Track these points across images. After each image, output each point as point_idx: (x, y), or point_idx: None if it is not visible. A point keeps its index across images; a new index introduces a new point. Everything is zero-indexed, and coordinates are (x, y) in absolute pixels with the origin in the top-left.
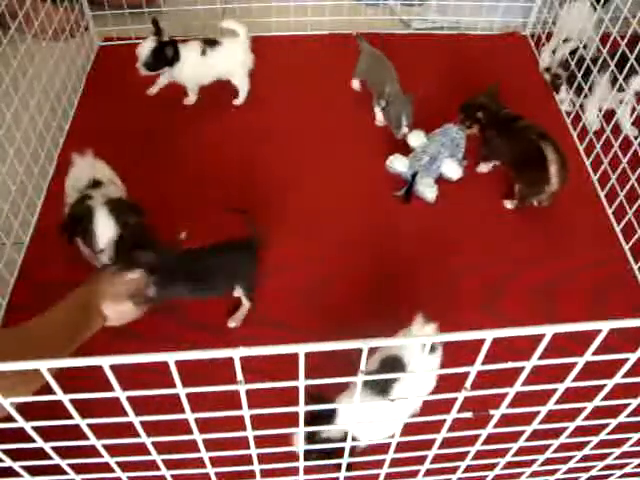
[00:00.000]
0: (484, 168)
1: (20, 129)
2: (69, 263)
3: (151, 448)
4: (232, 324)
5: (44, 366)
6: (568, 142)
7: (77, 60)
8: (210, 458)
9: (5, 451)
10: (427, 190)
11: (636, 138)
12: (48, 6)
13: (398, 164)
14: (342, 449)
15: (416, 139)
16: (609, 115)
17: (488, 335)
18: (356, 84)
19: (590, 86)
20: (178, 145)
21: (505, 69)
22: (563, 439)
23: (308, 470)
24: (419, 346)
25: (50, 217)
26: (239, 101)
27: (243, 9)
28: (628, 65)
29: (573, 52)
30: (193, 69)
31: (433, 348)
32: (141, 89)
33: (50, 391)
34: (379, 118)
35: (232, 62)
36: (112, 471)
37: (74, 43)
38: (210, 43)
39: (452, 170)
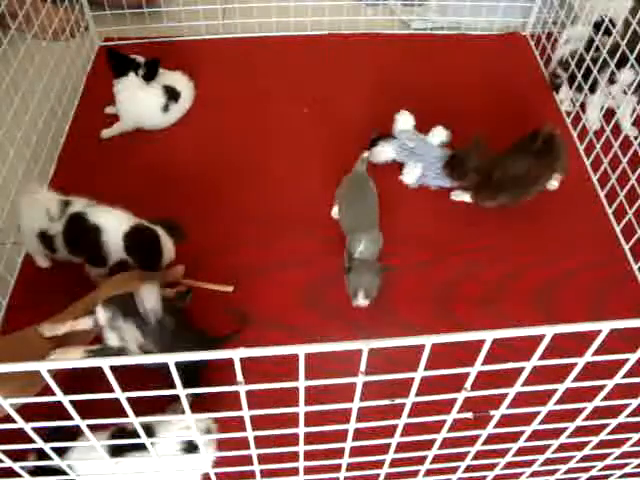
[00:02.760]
0: (463, 198)
1: (20, 129)
2: (69, 264)
3: (151, 448)
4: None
5: (44, 367)
6: (568, 142)
7: (77, 60)
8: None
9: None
10: (408, 172)
11: (636, 138)
12: (48, 6)
13: (382, 155)
14: None
15: (404, 122)
16: (609, 115)
17: (488, 336)
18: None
19: (590, 86)
20: (178, 145)
21: (505, 69)
22: (563, 439)
23: (308, 470)
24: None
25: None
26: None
27: (243, 9)
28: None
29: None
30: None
31: (195, 447)
32: None
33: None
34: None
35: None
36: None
37: (74, 43)
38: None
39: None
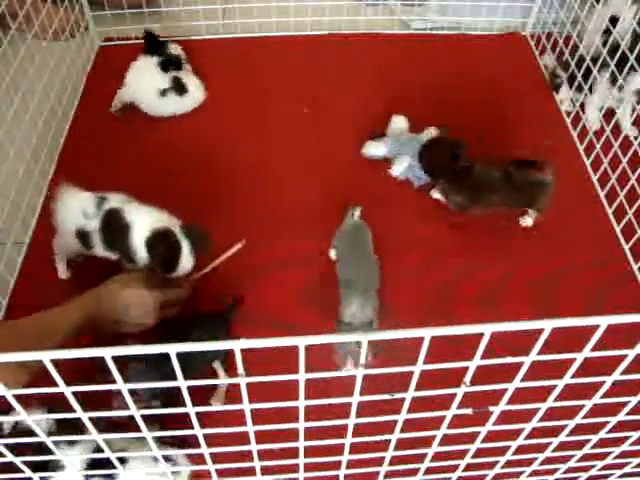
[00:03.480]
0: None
1: (20, 129)
2: (69, 263)
3: (152, 443)
4: (216, 404)
5: (46, 357)
6: (568, 142)
7: (77, 60)
8: (210, 454)
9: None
10: (395, 165)
11: (636, 138)
12: (48, 6)
13: (372, 149)
14: None
15: (398, 122)
16: (609, 115)
17: (486, 329)
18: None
19: (590, 86)
20: (178, 145)
21: (505, 69)
22: (563, 437)
23: (309, 467)
24: None
25: (50, 217)
26: None
27: (243, 9)
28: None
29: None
30: None
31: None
32: None
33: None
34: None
35: None
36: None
37: (74, 43)
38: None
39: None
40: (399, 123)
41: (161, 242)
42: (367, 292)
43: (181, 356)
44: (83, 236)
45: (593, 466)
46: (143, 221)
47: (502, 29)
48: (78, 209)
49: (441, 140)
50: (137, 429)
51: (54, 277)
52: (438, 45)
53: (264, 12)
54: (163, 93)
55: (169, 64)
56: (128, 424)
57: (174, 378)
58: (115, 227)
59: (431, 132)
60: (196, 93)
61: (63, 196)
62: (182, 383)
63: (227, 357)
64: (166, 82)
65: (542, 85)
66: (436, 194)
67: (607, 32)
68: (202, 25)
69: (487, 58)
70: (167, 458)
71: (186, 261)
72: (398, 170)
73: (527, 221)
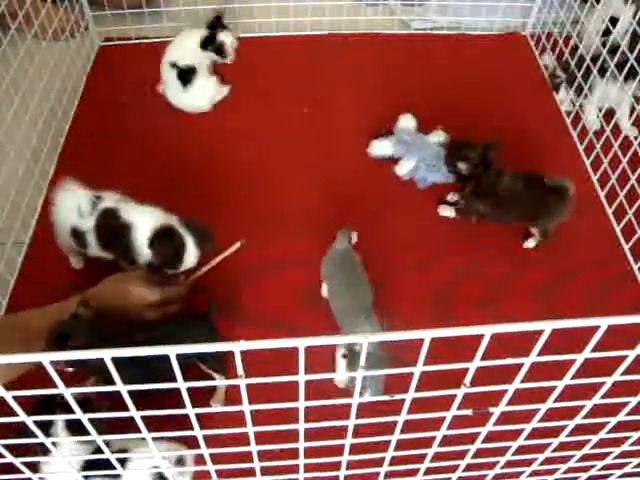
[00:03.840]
0: (447, 212)
1: (20, 129)
2: (69, 263)
3: (152, 444)
4: (216, 405)
5: (46, 359)
6: (568, 142)
7: (77, 60)
8: (210, 455)
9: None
10: (401, 164)
11: (636, 138)
12: (48, 6)
13: (379, 149)
14: None
15: (406, 121)
16: (609, 115)
17: (487, 330)
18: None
19: (590, 86)
20: (178, 146)
21: (505, 69)
22: (562, 438)
23: (308, 468)
24: None
25: (50, 217)
26: None
27: (243, 9)
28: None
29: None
30: None
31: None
32: (141, 89)
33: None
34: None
35: None
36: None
37: (74, 43)
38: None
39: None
40: (407, 122)
41: (165, 239)
42: (367, 320)
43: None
44: (77, 235)
45: (593, 466)
46: (143, 220)
47: (502, 29)
48: (73, 207)
49: (471, 141)
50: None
51: (54, 277)
52: (438, 45)
53: (264, 12)
54: (182, 72)
55: (208, 44)
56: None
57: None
58: (112, 227)
59: (439, 133)
60: (198, 94)
61: (60, 192)
62: (182, 385)
63: (221, 360)
64: (190, 60)
65: (542, 85)
66: (445, 211)
67: (607, 32)
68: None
69: (487, 58)
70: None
71: (191, 255)
72: (405, 169)
73: (530, 243)
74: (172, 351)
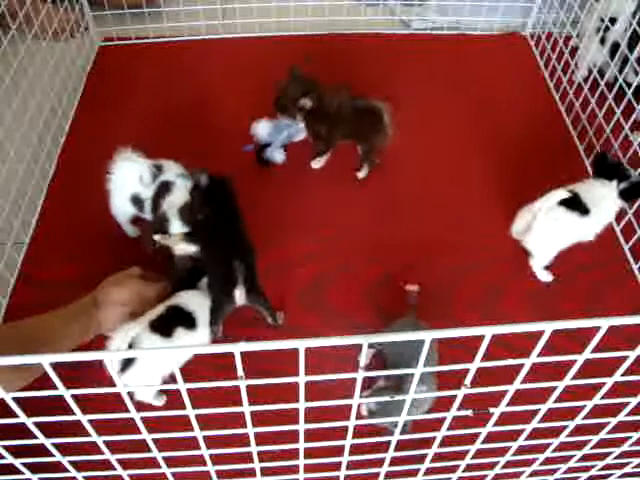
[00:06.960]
0: (317, 164)
1: (20, 129)
2: (69, 263)
3: (152, 444)
4: (280, 314)
5: (46, 360)
6: (568, 142)
7: (77, 60)
8: (210, 456)
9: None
10: (277, 154)
11: (636, 139)
12: (48, 6)
13: (262, 130)
14: None
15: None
16: (609, 115)
17: (487, 331)
18: None
19: (590, 85)
20: (178, 146)
21: (505, 69)
22: (563, 438)
23: (309, 468)
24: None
25: (50, 217)
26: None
27: (243, 9)
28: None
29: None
30: None
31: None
32: (141, 89)
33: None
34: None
35: None
36: (113, 468)
37: (74, 43)
38: None
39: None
40: (263, 128)
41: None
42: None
43: None
44: (138, 202)
45: (593, 466)
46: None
47: (502, 29)
48: (134, 176)
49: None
50: None
51: (54, 277)
52: (438, 45)
53: (264, 12)
54: None
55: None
56: None
57: None
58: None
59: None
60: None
61: (120, 162)
62: (182, 386)
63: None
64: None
65: (542, 85)
66: (316, 164)
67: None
68: (202, 25)
69: (487, 58)
70: None
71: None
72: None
73: (361, 174)
74: (172, 354)
